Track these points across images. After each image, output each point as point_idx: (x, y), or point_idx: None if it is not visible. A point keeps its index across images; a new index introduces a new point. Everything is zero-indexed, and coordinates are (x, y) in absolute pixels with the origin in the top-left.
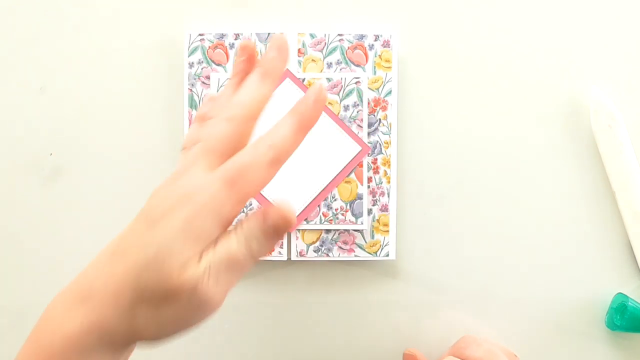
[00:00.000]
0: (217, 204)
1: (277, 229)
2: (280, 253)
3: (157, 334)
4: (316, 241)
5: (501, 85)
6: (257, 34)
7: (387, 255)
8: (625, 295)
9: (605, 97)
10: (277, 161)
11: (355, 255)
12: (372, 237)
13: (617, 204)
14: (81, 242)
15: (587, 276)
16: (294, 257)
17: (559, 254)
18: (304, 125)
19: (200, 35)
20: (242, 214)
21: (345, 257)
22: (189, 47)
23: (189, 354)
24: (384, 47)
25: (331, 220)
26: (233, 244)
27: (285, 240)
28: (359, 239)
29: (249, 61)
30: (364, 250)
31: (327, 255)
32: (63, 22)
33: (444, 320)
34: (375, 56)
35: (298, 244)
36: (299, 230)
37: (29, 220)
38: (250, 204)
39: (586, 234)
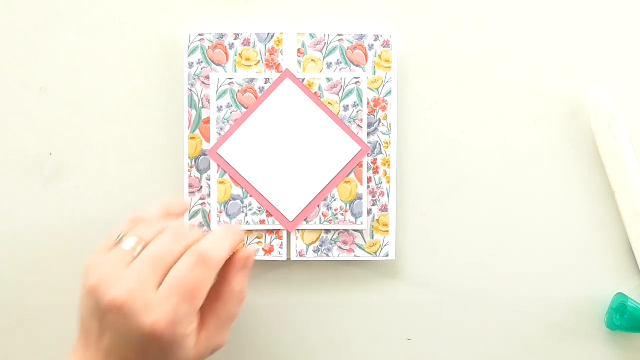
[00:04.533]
0: (188, 321)
1: (249, 266)
2: (280, 253)
3: None
4: (316, 241)
5: (501, 85)
6: (257, 34)
7: (387, 256)
8: (625, 295)
9: (605, 97)
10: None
11: (355, 256)
12: (372, 237)
13: (617, 204)
14: (81, 242)
15: (587, 276)
16: (293, 258)
17: (558, 253)
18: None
19: (200, 35)
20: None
21: (345, 257)
22: (189, 47)
23: None
24: (384, 47)
25: (331, 220)
26: (233, 307)
27: (285, 241)
28: (359, 239)
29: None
30: (364, 250)
31: (327, 255)
32: (63, 22)
33: (443, 320)
34: (375, 56)
35: (298, 244)
36: (298, 230)
37: (29, 220)
38: (250, 204)
39: (586, 234)
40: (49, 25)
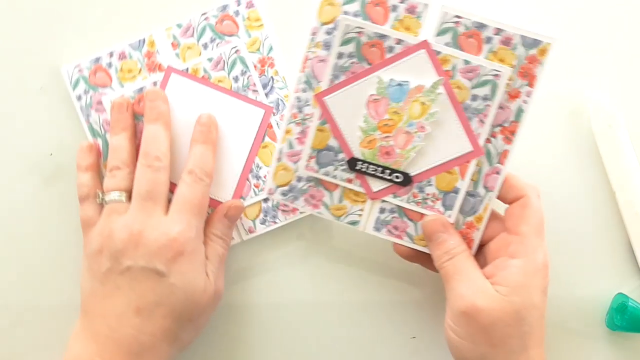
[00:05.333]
0: (200, 234)
1: (235, 218)
2: (232, 238)
3: (196, 336)
4: (259, 214)
5: None
6: (129, 44)
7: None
8: (625, 295)
9: (605, 98)
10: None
11: (300, 213)
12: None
13: (617, 204)
14: (81, 242)
15: (587, 276)
16: (245, 237)
17: (559, 254)
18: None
19: (77, 66)
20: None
21: (291, 218)
22: (71, 81)
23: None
24: (249, 8)
25: (263, 188)
26: (218, 249)
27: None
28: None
29: (131, 115)
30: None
31: (274, 222)
32: (64, 22)
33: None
34: (244, 20)
35: (244, 222)
36: None
37: (28, 220)
38: None
39: (586, 234)
40: (50, 25)
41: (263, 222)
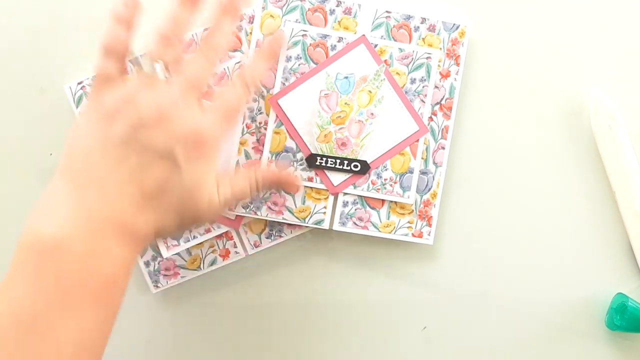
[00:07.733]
0: (221, 143)
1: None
2: (237, 252)
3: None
4: (265, 228)
5: (501, 86)
6: (130, 61)
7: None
8: (625, 295)
9: (605, 97)
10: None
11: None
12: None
13: (617, 204)
14: None
15: (587, 276)
16: (251, 252)
17: (559, 254)
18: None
19: (79, 83)
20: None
21: (297, 232)
22: (74, 98)
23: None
24: (252, 23)
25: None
26: (246, 190)
27: (237, 239)
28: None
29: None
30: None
31: (280, 236)
32: (64, 22)
33: (449, 317)
34: (247, 35)
35: (249, 237)
36: (245, 224)
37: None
38: None
39: (586, 234)
40: (50, 25)
41: (269, 237)
